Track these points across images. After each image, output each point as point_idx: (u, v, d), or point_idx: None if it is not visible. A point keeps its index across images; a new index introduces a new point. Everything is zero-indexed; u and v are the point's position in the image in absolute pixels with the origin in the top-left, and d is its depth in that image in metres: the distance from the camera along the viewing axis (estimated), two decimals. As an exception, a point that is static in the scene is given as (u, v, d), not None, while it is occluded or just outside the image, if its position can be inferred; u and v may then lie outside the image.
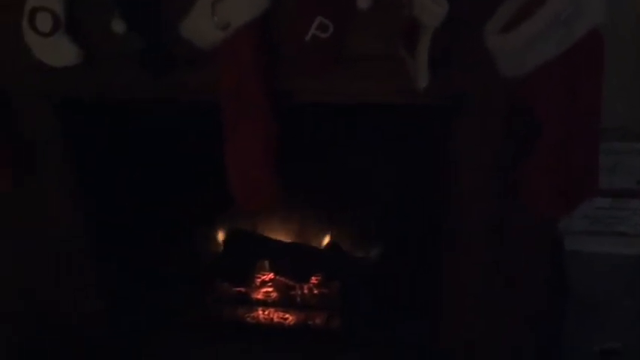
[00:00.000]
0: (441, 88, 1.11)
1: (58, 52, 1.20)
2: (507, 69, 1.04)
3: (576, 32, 0.98)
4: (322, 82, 1.21)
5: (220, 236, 1.85)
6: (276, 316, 1.74)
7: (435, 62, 1.05)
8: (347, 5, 1.08)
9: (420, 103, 1.18)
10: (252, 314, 1.75)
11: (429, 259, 1.52)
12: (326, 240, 1.81)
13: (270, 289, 1.80)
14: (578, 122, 1.06)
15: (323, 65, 1.16)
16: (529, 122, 1.10)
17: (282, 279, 1.80)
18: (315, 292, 1.78)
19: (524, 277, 1.38)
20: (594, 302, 1.61)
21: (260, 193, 1.26)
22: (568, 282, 1.61)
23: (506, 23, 1.02)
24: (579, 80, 1.03)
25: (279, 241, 1.81)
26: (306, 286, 1.78)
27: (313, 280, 1.78)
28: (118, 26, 1.15)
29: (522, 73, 1.03)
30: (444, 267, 1.42)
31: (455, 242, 1.37)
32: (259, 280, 1.82)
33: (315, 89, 1.23)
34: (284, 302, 1.77)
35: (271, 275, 1.82)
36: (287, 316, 1.74)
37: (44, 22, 1.16)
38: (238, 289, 1.79)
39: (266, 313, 1.75)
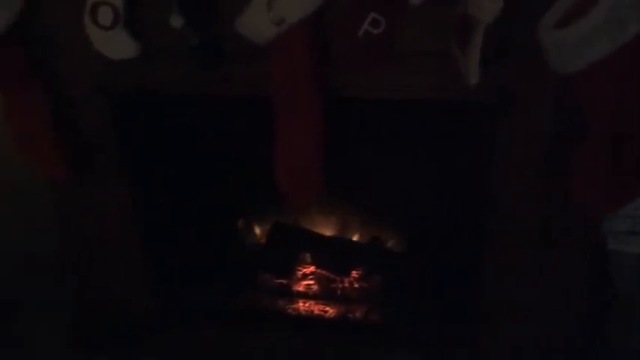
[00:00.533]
0: (490, 84, 1.12)
1: (117, 45, 1.25)
2: (560, 65, 1.04)
3: (631, 31, 0.99)
4: (372, 77, 1.23)
5: (264, 229, 1.88)
6: (316, 308, 1.76)
7: (486, 59, 1.06)
8: (399, 1, 1.10)
9: (469, 99, 1.19)
10: (293, 306, 1.77)
11: (470, 256, 1.52)
12: (367, 235, 1.82)
13: (311, 282, 1.82)
14: (629, 120, 1.07)
15: (374, 61, 1.18)
16: (578, 120, 1.10)
17: (323, 272, 1.82)
18: (356, 285, 1.79)
19: (568, 276, 1.38)
20: (636, 301, 1.60)
21: (307, 185, 1.30)
22: (611, 282, 1.61)
23: (560, 20, 1.03)
24: (631, 78, 1.03)
25: (321, 235, 1.83)
26: (346, 280, 1.80)
27: (354, 274, 1.80)
28: (176, 21, 1.19)
29: (574, 70, 1.03)
30: (487, 265, 1.43)
31: (498, 241, 1.38)
32: (301, 272, 1.84)
33: (364, 85, 1.25)
34: (325, 295, 1.78)
35: (312, 268, 1.84)
36: (327, 308, 1.75)
37: (105, 16, 1.21)
38: (280, 281, 1.82)
39: (307, 305, 1.77)
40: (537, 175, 1.27)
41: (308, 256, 1.85)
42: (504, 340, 1.49)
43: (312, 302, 1.78)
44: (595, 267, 1.42)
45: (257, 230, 1.91)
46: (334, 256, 1.80)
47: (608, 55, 1.00)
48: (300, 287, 1.82)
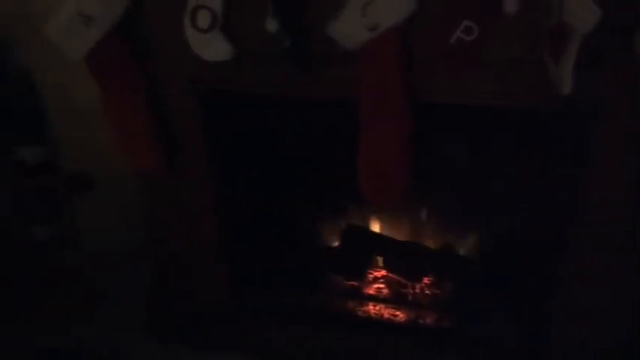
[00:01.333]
0: (582, 93, 1.11)
1: (213, 47, 1.30)
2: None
3: None
4: (456, 83, 1.25)
5: (338, 231, 1.91)
6: (386, 312, 1.77)
7: (579, 67, 1.05)
8: (494, 9, 1.10)
9: (560, 108, 1.19)
10: (363, 308, 1.79)
11: (546, 263, 1.51)
12: (440, 241, 1.82)
13: (382, 286, 1.83)
14: None
15: (464, 67, 1.19)
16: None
17: (394, 276, 1.83)
18: (427, 292, 1.80)
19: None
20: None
21: (392, 190, 1.32)
22: None
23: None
24: None
25: (394, 240, 1.84)
26: (418, 286, 1.80)
27: (425, 280, 1.80)
28: (271, 25, 1.23)
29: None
30: (565, 271, 1.42)
31: (580, 247, 1.37)
32: (372, 275, 1.86)
33: (448, 90, 1.27)
34: (395, 299, 1.80)
35: (384, 272, 1.86)
36: (398, 313, 1.76)
37: (204, 19, 1.26)
38: (351, 283, 1.84)
39: (377, 308, 1.79)
40: (627, 181, 1.25)
41: (380, 260, 1.86)
42: (576, 346, 1.48)
43: (382, 306, 1.79)
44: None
45: (331, 232, 1.93)
46: (406, 261, 1.81)
47: None
48: (371, 290, 1.83)
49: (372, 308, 1.79)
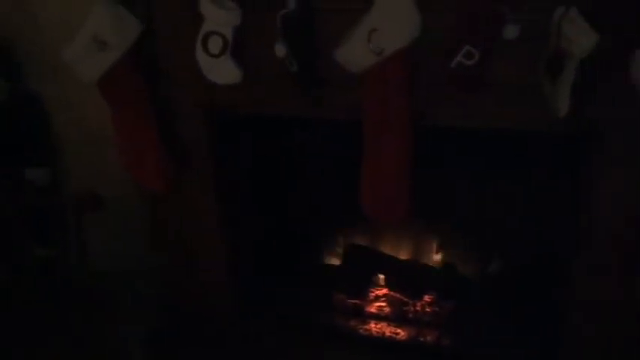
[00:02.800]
0: (578, 116, 1.16)
1: (223, 71, 1.36)
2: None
3: None
4: (460, 106, 1.29)
5: (340, 250, 1.94)
6: (388, 330, 1.79)
7: (576, 91, 1.10)
8: (494, 35, 1.16)
9: (558, 130, 1.24)
10: (364, 326, 1.81)
11: (547, 283, 1.54)
12: (441, 259, 1.86)
13: (383, 304, 1.86)
14: None
15: (466, 90, 1.24)
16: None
17: (396, 294, 1.86)
18: (428, 309, 1.82)
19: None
20: None
21: (394, 208, 1.36)
22: None
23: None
24: None
25: (396, 258, 1.88)
26: (419, 303, 1.83)
27: (426, 298, 1.83)
28: (280, 51, 1.28)
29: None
30: (569, 293, 1.45)
31: (584, 271, 1.40)
32: (374, 294, 1.89)
33: (451, 113, 1.32)
34: (396, 317, 1.82)
35: (385, 290, 1.88)
36: (399, 330, 1.79)
37: (215, 44, 1.31)
38: (353, 301, 1.87)
39: (378, 326, 1.81)
40: (627, 205, 1.29)
41: (381, 278, 1.90)
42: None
43: (384, 324, 1.81)
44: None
45: (334, 251, 1.97)
46: (408, 279, 1.84)
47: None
48: (373, 308, 1.86)
49: (373, 326, 1.81)
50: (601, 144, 1.24)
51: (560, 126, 1.20)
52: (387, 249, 1.90)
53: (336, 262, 1.96)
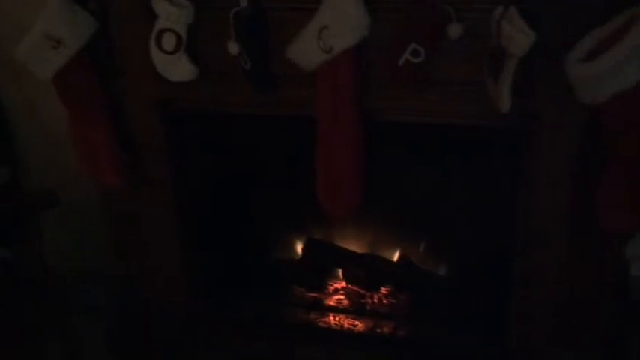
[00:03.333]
0: (520, 111, 1.21)
1: (178, 68, 1.37)
2: (586, 95, 1.14)
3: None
4: (408, 102, 1.33)
5: (298, 244, 1.98)
6: (346, 322, 1.83)
7: (516, 87, 1.16)
8: (439, 34, 1.20)
9: (499, 125, 1.29)
10: (323, 319, 1.84)
11: (497, 274, 1.59)
12: (397, 253, 1.90)
13: (342, 297, 1.90)
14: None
15: (413, 87, 1.28)
16: (602, 145, 1.19)
17: (353, 287, 1.90)
18: (385, 301, 1.87)
19: (591, 299, 1.45)
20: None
21: (346, 199, 1.40)
22: (634, 307, 1.65)
23: (587, 53, 1.12)
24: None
25: (353, 252, 1.92)
26: (376, 296, 1.87)
27: (383, 290, 1.88)
28: (233, 49, 1.31)
29: (599, 100, 1.13)
30: (514, 282, 1.50)
31: (525, 259, 1.46)
32: (332, 287, 1.92)
33: (400, 109, 1.36)
34: (355, 310, 1.86)
35: (343, 283, 1.92)
36: (357, 322, 1.83)
37: (169, 41, 1.33)
38: (312, 294, 1.90)
39: (337, 319, 1.85)
40: (563, 195, 1.34)
41: (339, 272, 1.93)
42: (528, 355, 1.56)
43: (343, 316, 1.85)
44: (618, 291, 1.47)
45: (292, 245, 2.00)
46: (365, 272, 1.88)
47: (632, 88, 1.10)
48: (331, 301, 1.89)
49: (332, 319, 1.85)
50: (530, 140, 1.30)
51: (504, 122, 1.25)
52: (344, 243, 1.94)
53: (295, 256, 1.99)
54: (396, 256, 1.91)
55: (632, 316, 1.62)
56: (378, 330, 1.80)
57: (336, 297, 1.90)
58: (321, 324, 1.83)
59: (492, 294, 1.65)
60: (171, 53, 1.34)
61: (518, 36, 1.10)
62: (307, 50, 1.26)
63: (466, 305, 1.74)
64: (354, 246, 1.94)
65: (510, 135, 1.35)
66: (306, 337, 1.80)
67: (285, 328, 1.83)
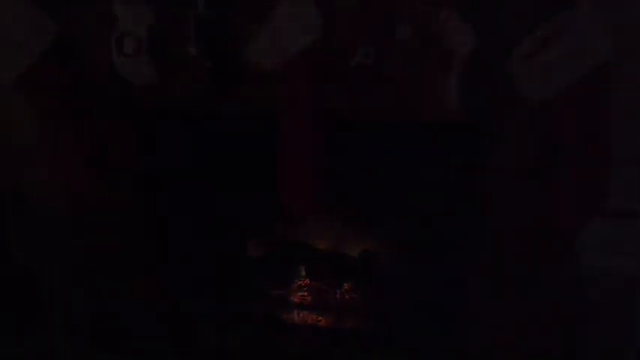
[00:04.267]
0: (469, 107, 1.27)
1: (138, 71, 1.41)
2: (531, 91, 1.21)
3: (587, 66, 1.16)
4: (365, 101, 1.39)
5: (264, 242, 2.01)
6: (310, 318, 1.88)
7: (464, 84, 1.22)
8: (388, 36, 1.27)
9: (450, 120, 1.35)
10: (289, 315, 1.89)
11: (458, 267, 1.65)
12: (360, 249, 1.95)
13: (306, 294, 1.94)
14: (593, 146, 1.23)
15: (366, 87, 1.34)
16: (549, 141, 1.26)
17: (316, 284, 1.94)
18: (347, 297, 1.91)
19: (544, 286, 1.52)
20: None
21: (308, 198, 1.45)
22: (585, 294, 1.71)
23: (529, 53, 1.19)
24: (592, 104, 1.20)
25: (315, 249, 1.96)
26: (339, 292, 1.92)
27: (346, 286, 1.92)
28: (193, 50, 1.35)
29: (542, 97, 1.20)
30: (474, 273, 1.58)
31: (482, 251, 1.53)
32: (297, 284, 1.96)
33: (358, 107, 1.41)
34: (318, 305, 1.90)
35: (307, 280, 1.96)
36: (321, 318, 1.87)
37: (130, 44, 1.36)
38: (277, 292, 1.94)
39: (301, 315, 1.89)
40: (515, 189, 1.42)
41: (303, 269, 1.98)
42: (487, 344, 1.62)
43: (307, 312, 1.90)
44: (570, 279, 1.54)
45: (258, 243, 2.03)
46: (328, 269, 1.92)
47: (571, 86, 1.17)
48: (296, 298, 1.93)
49: (296, 315, 1.89)
50: (480, 134, 1.36)
51: (454, 116, 1.32)
52: (308, 240, 1.98)
53: (259, 254, 2.02)
54: (358, 252, 1.96)
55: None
56: (342, 325, 1.84)
57: (301, 294, 1.94)
58: (286, 320, 1.87)
59: (454, 287, 1.71)
60: (132, 56, 1.37)
61: (461, 37, 1.17)
62: (264, 50, 1.31)
63: (429, 300, 1.78)
64: (318, 243, 1.98)
65: (460, 130, 1.41)
66: (271, 333, 1.84)
67: (250, 325, 1.86)
